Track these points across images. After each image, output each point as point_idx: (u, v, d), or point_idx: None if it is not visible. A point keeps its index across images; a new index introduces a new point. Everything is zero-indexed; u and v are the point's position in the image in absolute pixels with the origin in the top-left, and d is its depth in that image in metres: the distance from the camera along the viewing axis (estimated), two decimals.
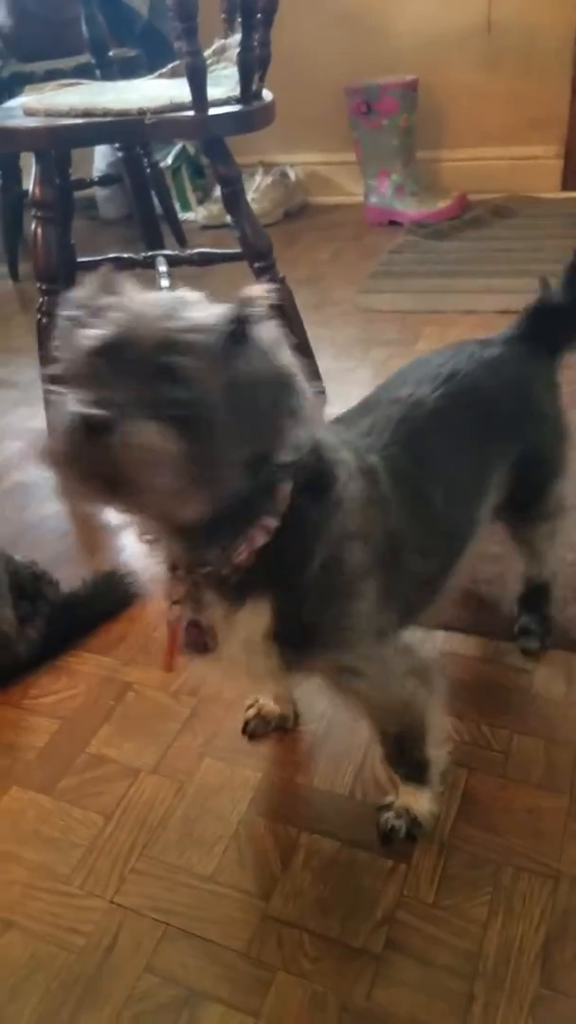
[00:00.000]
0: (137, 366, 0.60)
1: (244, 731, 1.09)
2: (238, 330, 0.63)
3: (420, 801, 0.94)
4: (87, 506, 0.69)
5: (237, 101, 1.61)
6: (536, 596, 1.18)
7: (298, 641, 0.75)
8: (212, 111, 1.56)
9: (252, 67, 1.58)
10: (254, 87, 1.62)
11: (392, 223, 3.01)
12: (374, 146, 2.95)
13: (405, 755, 0.92)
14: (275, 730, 1.10)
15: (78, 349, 0.63)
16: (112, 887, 0.92)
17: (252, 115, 1.64)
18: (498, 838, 0.93)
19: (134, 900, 0.91)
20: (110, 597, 1.31)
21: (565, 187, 3.00)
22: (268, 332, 0.65)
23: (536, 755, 1.02)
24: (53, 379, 0.65)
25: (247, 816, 0.99)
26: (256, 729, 1.09)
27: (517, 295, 2.27)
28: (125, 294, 0.67)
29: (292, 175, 3.23)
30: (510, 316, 2.29)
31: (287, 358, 0.66)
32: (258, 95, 1.66)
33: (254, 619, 0.73)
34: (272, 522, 0.70)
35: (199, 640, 0.77)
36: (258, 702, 1.10)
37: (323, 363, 1.92)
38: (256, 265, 1.77)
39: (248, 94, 1.60)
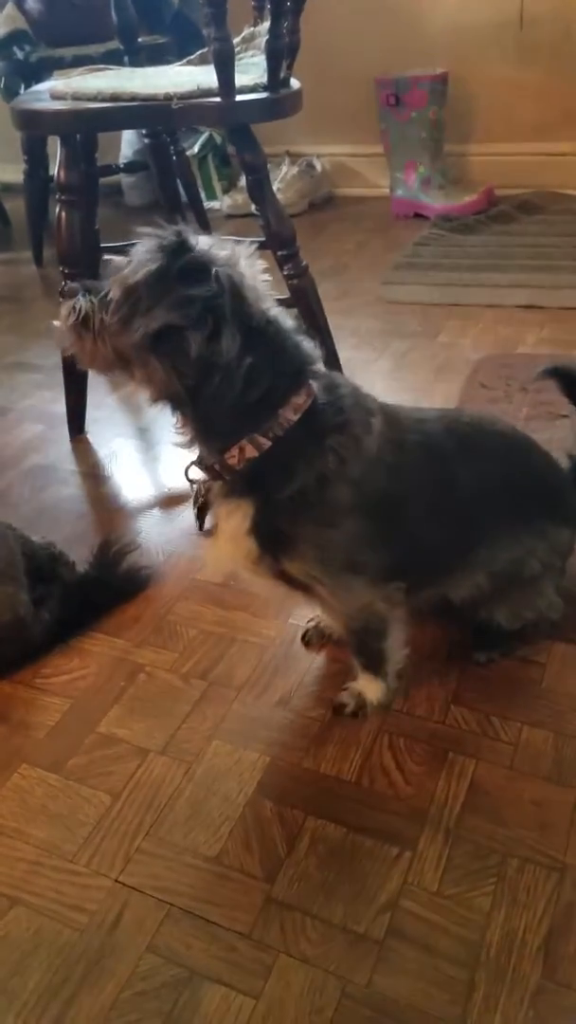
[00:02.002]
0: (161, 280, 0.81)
1: (303, 640, 1.21)
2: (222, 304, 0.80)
3: (372, 690, 1.07)
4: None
5: (264, 88, 1.61)
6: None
7: (273, 544, 0.92)
8: (239, 98, 1.56)
9: (280, 55, 1.57)
10: (282, 75, 1.61)
11: (418, 216, 2.99)
12: (402, 138, 2.93)
13: (365, 646, 1.05)
14: (329, 641, 1.20)
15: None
16: (117, 866, 0.92)
17: (279, 103, 1.63)
18: (504, 829, 0.92)
19: (139, 880, 0.91)
20: (124, 580, 1.32)
21: None
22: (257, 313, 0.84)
23: (545, 748, 1.01)
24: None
25: (254, 799, 0.99)
26: (312, 639, 1.21)
27: (541, 290, 2.26)
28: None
29: (318, 166, 3.22)
30: (533, 311, 2.29)
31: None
32: (286, 83, 1.65)
33: (240, 515, 0.91)
34: (264, 441, 0.87)
35: (201, 519, 0.99)
36: (317, 616, 1.21)
37: (344, 353, 1.91)
38: (279, 253, 1.76)
39: (275, 82, 1.60)
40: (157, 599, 1.31)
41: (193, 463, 0.95)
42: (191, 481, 0.96)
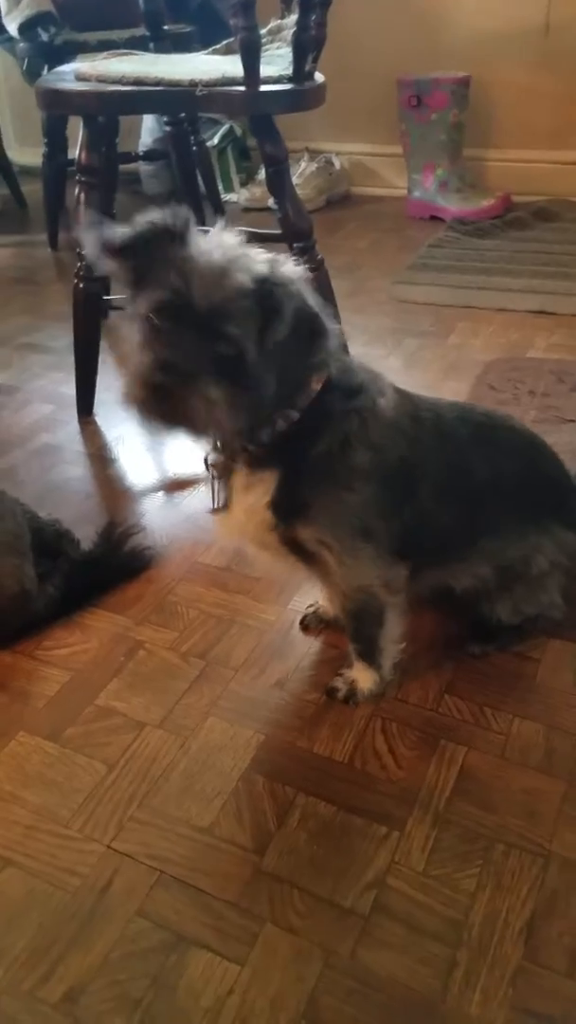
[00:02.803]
0: (193, 328, 0.79)
1: (301, 624, 1.23)
2: (271, 293, 0.81)
3: (365, 678, 1.09)
4: (161, 433, 0.89)
5: (289, 80, 1.62)
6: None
7: (291, 510, 0.94)
8: (263, 88, 1.57)
9: (307, 47, 1.59)
10: (307, 67, 1.62)
11: (433, 218, 3.00)
12: (421, 140, 2.94)
13: (361, 632, 1.07)
14: (328, 625, 1.22)
15: (146, 303, 0.82)
16: (110, 833, 0.94)
17: (303, 95, 1.64)
18: (492, 815, 0.94)
19: (131, 847, 0.92)
20: (127, 559, 1.33)
21: None
22: (296, 295, 0.84)
23: (536, 739, 1.02)
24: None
25: (247, 774, 1.00)
26: (311, 623, 1.23)
27: (553, 296, 2.28)
28: (188, 242, 0.84)
29: (337, 163, 3.24)
30: (544, 317, 2.30)
31: (313, 312, 0.85)
32: (310, 76, 1.66)
33: (261, 488, 0.94)
34: (294, 414, 0.90)
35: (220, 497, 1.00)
36: (317, 602, 1.23)
37: (355, 350, 1.92)
38: (295, 246, 1.78)
39: (300, 74, 1.61)
40: (159, 579, 1.33)
41: (213, 449, 0.97)
42: (209, 465, 0.98)
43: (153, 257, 0.83)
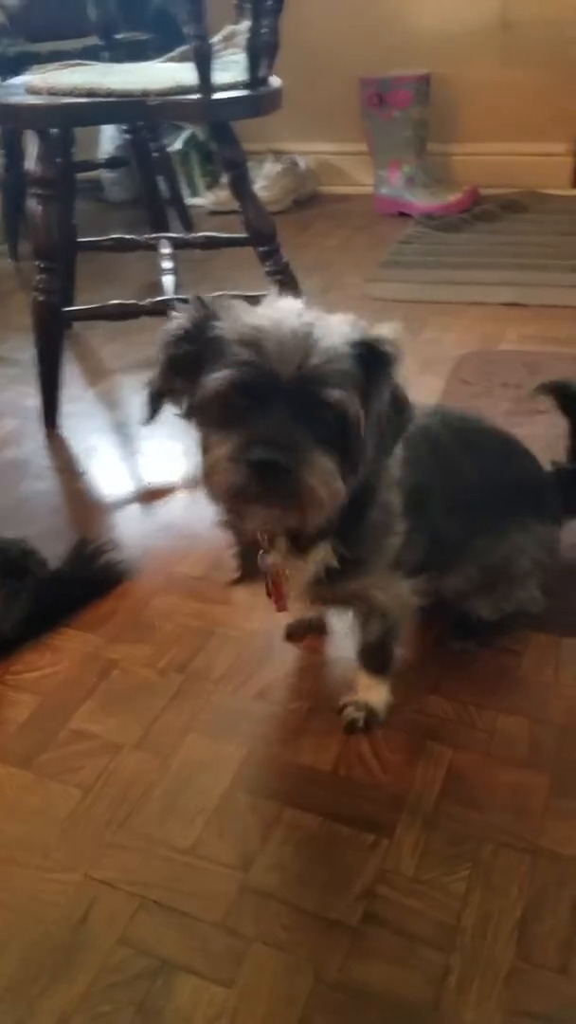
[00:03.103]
0: (288, 398, 0.71)
1: (287, 634, 1.19)
2: (370, 358, 0.76)
3: (378, 693, 1.05)
4: (248, 527, 0.84)
5: (244, 86, 1.61)
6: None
7: (342, 574, 0.88)
8: (218, 95, 1.56)
9: (260, 52, 1.58)
10: (261, 73, 1.61)
11: (402, 214, 3.00)
12: (386, 137, 2.94)
13: (383, 650, 1.04)
14: (313, 630, 1.19)
15: (218, 384, 0.73)
16: (88, 860, 0.91)
17: (258, 100, 1.63)
18: (480, 814, 0.92)
19: (110, 873, 0.90)
20: (99, 575, 1.31)
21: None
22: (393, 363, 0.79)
23: (520, 734, 1.01)
24: (190, 412, 0.80)
25: (230, 791, 0.98)
26: (295, 631, 1.20)
27: (524, 288, 2.27)
28: (240, 315, 0.76)
29: (302, 164, 3.23)
30: (516, 309, 2.29)
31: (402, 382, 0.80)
32: (265, 81, 1.65)
33: (312, 565, 0.87)
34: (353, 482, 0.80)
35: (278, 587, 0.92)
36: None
37: None
38: (261, 249, 1.77)
39: (255, 79, 1.60)
40: (133, 594, 1.31)
41: (258, 535, 0.87)
42: (270, 565, 0.89)
43: (202, 341, 0.77)
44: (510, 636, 1.15)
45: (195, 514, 1.47)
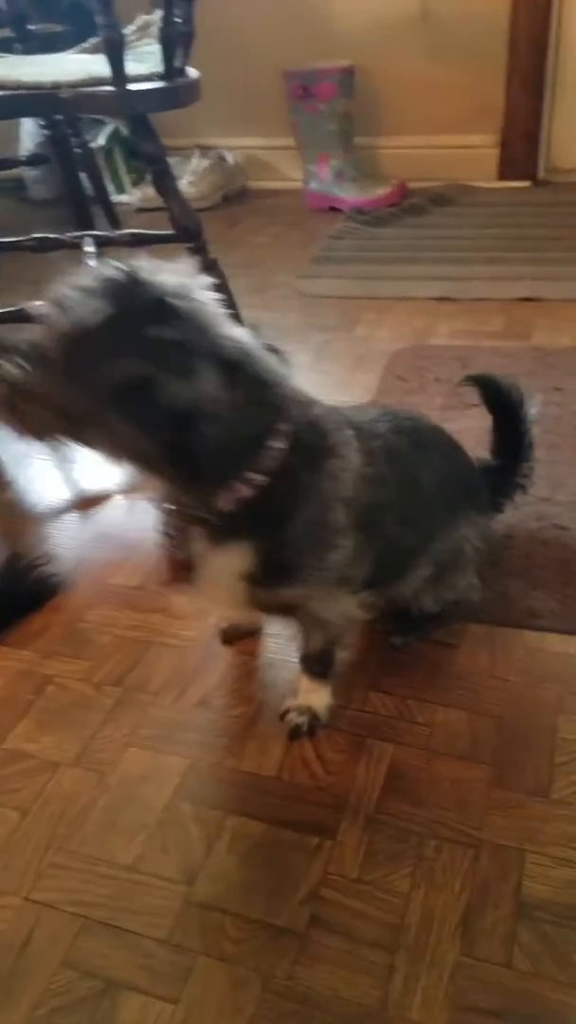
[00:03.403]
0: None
1: (222, 640, 1.18)
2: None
3: (320, 697, 1.05)
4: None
5: (160, 77, 1.58)
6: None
7: (271, 580, 0.86)
8: (133, 86, 1.53)
9: (174, 42, 1.55)
10: (177, 63, 1.59)
11: (332, 209, 3.00)
12: (313, 131, 2.93)
13: (325, 656, 1.04)
14: (248, 634, 1.18)
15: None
16: (28, 883, 0.89)
17: (175, 92, 1.60)
18: (422, 810, 0.93)
19: (51, 895, 0.88)
20: (31, 589, 1.28)
21: (502, 177, 3.01)
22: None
23: (459, 727, 1.02)
24: None
25: (172, 803, 0.97)
26: (231, 635, 1.19)
27: (453, 282, 2.29)
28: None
29: (230, 159, 3.20)
30: (446, 303, 2.31)
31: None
32: (182, 72, 1.63)
33: (234, 561, 0.84)
34: (258, 478, 0.79)
35: (181, 570, 0.90)
36: (226, 616, 1.19)
37: None
38: (186, 246, 1.74)
39: (171, 70, 1.57)
40: (67, 607, 1.28)
41: (168, 512, 0.86)
42: (169, 535, 0.89)
43: None
44: (448, 628, 1.16)
45: (131, 522, 1.45)
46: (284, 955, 0.81)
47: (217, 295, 0.76)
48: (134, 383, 0.68)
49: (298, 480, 0.82)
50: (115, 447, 0.76)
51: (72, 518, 1.50)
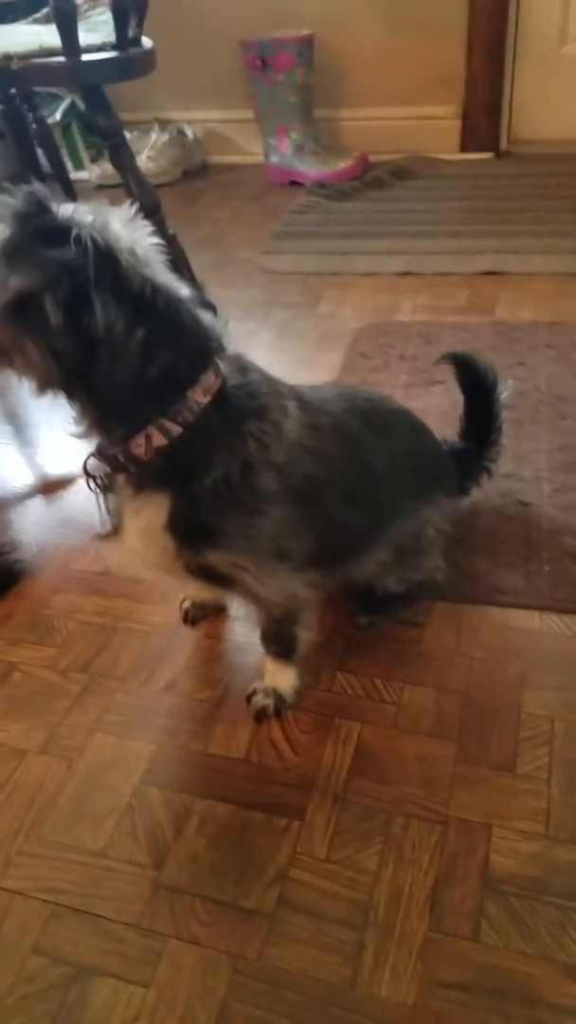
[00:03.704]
0: None
1: (185, 620, 1.19)
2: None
3: (284, 678, 1.05)
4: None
5: (113, 48, 1.54)
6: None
7: (195, 537, 0.85)
8: (85, 57, 1.49)
9: (127, 11, 1.51)
10: (130, 33, 1.55)
11: (293, 183, 2.96)
12: (272, 103, 2.88)
13: (282, 634, 1.03)
14: (213, 612, 1.19)
15: None
16: None
17: (128, 62, 1.57)
18: (390, 788, 0.94)
19: (20, 883, 0.88)
20: None
21: (463, 148, 2.99)
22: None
23: (426, 705, 1.03)
24: None
25: (140, 788, 0.96)
26: (196, 615, 1.19)
27: (417, 256, 2.28)
28: None
29: (190, 133, 3.14)
30: (410, 278, 2.30)
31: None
32: (136, 42, 1.59)
33: (153, 510, 0.84)
34: (173, 427, 0.79)
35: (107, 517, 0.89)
36: (190, 594, 1.19)
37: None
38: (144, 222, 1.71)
39: (124, 40, 1.53)
40: (31, 594, 1.26)
41: (92, 455, 0.85)
42: (90, 476, 0.87)
43: None
44: (414, 607, 1.17)
45: (95, 507, 1.43)
46: (254, 936, 0.81)
47: (157, 242, 0.77)
48: (27, 299, 0.70)
49: (217, 436, 0.81)
50: (31, 370, 0.76)
51: (35, 503, 1.47)
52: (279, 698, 1.04)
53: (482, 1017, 0.74)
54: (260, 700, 1.04)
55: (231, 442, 0.82)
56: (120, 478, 0.85)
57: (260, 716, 1.04)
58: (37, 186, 0.73)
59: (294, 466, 0.87)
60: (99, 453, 0.84)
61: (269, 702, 1.04)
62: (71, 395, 0.78)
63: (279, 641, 1.03)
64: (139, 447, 0.80)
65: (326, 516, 0.93)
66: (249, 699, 1.05)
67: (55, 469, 1.56)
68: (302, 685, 1.06)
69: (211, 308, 0.84)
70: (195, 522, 0.84)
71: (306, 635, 1.05)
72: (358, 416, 0.99)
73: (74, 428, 0.83)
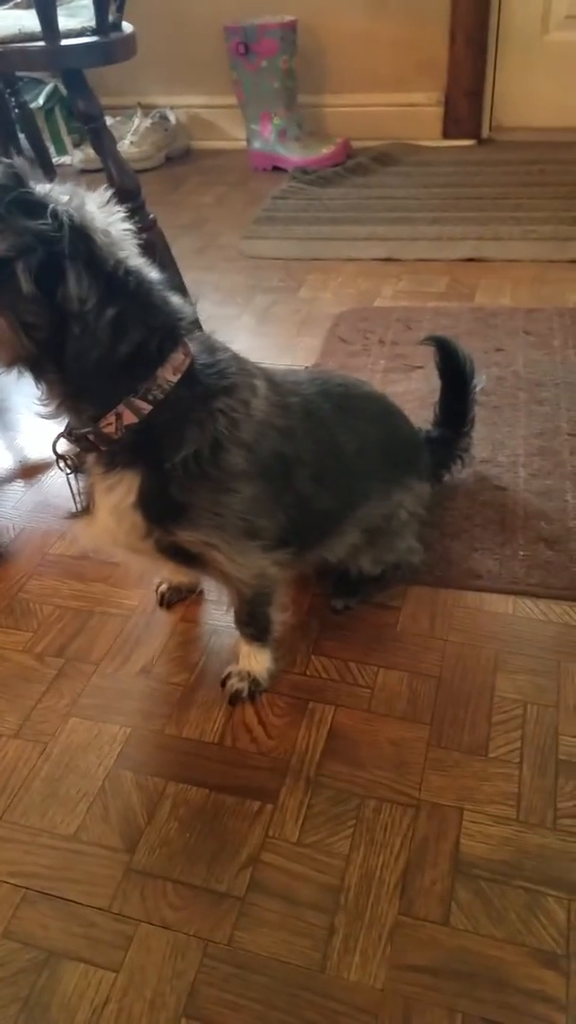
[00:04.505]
0: None
1: (160, 604, 1.19)
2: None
3: (259, 661, 1.05)
4: None
5: (93, 32, 1.52)
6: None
7: (164, 515, 0.85)
8: (65, 42, 1.47)
9: None
10: (110, 18, 1.52)
11: (276, 169, 2.94)
12: (255, 89, 2.86)
13: (255, 615, 1.03)
14: (188, 595, 1.18)
15: None
16: None
17: (109, 47, 1.54)
18: (362, 772, 0.94)
19: None
20: None
21: (446, 135, 2.99)
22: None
23: (400, 688, 1.03)
24: None
25: (114, 772, 0.96)
26: (171, 598, 1.19)
27: (398, 242, 2.27)
28: None
29: (173, 118, 3.11)
30: (391, 264, 2.29)
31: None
32: (116, 26, 1.56)
33: (123, 488, 0.84)
34: (143, 405, 0.79)
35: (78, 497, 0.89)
36: (165, 577, 1.19)
37: (207, 309, 1.87)
38: (124, 206, 1.69)
39: (104, 25, 1.51)
40: (7, 577, 1.25)
41: (61, 435, 0.84)
42: (60, 456, 0.86)
43: None
44: (389, 591, 1.16)
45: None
46: (224, 920, 0.81)
47: (130, 227, 0.77)
48: (4, 276, 0.69)
49: (186, 414, 0.81)
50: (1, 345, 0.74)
51: (12, 487, 1.46)
52: (254, 682, 1.04)
53: (451, 1001, 0.74)
54: (235, 683, 1.04)
55: (201, 419, 0.82)
56: (90, 458, 0.85)
57: (234, 700, 1.04)
58: (17, 160, 0.72)
59: (263, 444, 0.87)
60: (69, 433, 0.84)
61: (244, 685, 1.04)
62: (40, 372, 0.78)
63: (252, 623, 1.03)
64: (109, 425, 0.79)
65: (296, 494, 0.93)
66: (224, 683, 1.05)
67: (33, 453, 1.55)
68: (277, 669, 1.06)
69: (182, 291, 0.83)
70: (165, 499, 0.84)
71: (280, 617, 1.05)
72: (330, 399, 0.99)
73: (42, 408, 0.82)
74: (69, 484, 0.89)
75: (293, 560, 0.98)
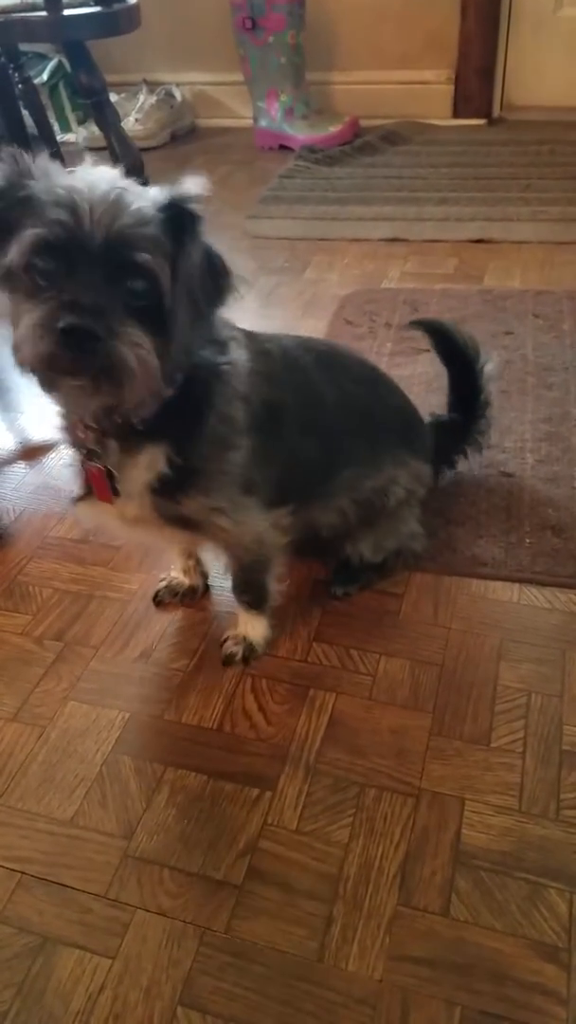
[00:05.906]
0: (94, 263, 0.67)
1: (154, 600, 1.16)
2: (178, 219, 0.72)
3: (256, 628, 1.06)
4: (71, 395, 0.76)
5: (96, 3, 1.49)
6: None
7: (180, 485, 0.85)
8: (68, 12, 1.44)
9: None
10: None
11: (283, 147, 2.90)
12: (262, 65, 2.81)
13: (251, 583, 1.04)
14: (183, 599, 1.16)
15: (24, 244, 0.68)
16: None
17: (112, 17, 1.52)
18: (363, 760, 0.92)
19: None
20: None
21: (456, 114, 2.93)
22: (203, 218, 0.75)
23: (401, 676, 1.01)
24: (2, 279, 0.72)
25: (112, 757, 0.95)
26: (164, 598, 1.17)
27: (405, 223, 2.24)
28: (54, 177, 0.70)
29: (178, 95, 3.06)
30: (397, 244, 2.26)
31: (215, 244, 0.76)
32: None
33: (146, 466, 0.83)
34: (180, 377, 0.79)
35: (104, 485, 0.86)
36: (169, 575, 1.17)
37: None
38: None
39: None
40: (6, 560, 1.24)
41: (80, 423, 0.82)
42: (79, 446, 0.85)
43: (13, 200, 0.70)
44: (392, 578, 1.15)
45: (73, 473, 1.40)
46: (221, 908, 0.81)
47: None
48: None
49: (203, 377, 0.82)
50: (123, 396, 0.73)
51: (14, 469, 1.45)
52: (249, 647, 1.06)
53: (449, 993, 0.74)
54: (230, 646, 1.06)
55: (215, 379, 0.83)
56: (111, 442, 0.83)
57: (228, 661, 1.06)
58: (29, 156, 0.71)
59: (254, 393, 0.88)
60: (91, 426, 0.82)
61: (238, 649, 1.06)
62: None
63: (249, 591, 1.04)
64: (154, 400, 0.77)
65: (284, 446, 0.94)
66: (222, 644, 1.06)
67: (34, 435, 1.53)
68: (273, 636, 1.07)
69: None
70: (184, 469, 0.84)
71: (276, 587, 1.05)
72: (311, 352, 1.00)
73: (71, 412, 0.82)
74: (83, 470, 0.87)
75: (288, 520, 0.97)
